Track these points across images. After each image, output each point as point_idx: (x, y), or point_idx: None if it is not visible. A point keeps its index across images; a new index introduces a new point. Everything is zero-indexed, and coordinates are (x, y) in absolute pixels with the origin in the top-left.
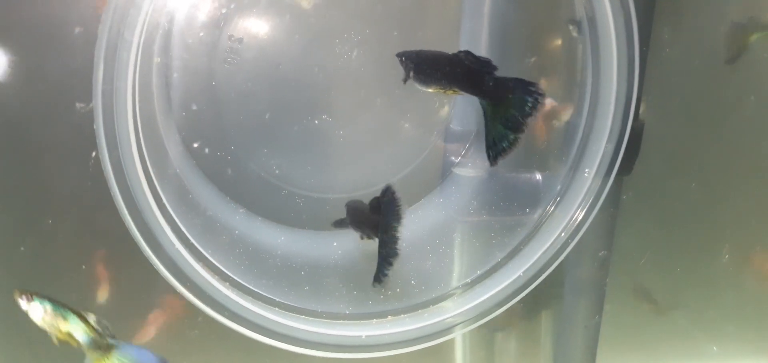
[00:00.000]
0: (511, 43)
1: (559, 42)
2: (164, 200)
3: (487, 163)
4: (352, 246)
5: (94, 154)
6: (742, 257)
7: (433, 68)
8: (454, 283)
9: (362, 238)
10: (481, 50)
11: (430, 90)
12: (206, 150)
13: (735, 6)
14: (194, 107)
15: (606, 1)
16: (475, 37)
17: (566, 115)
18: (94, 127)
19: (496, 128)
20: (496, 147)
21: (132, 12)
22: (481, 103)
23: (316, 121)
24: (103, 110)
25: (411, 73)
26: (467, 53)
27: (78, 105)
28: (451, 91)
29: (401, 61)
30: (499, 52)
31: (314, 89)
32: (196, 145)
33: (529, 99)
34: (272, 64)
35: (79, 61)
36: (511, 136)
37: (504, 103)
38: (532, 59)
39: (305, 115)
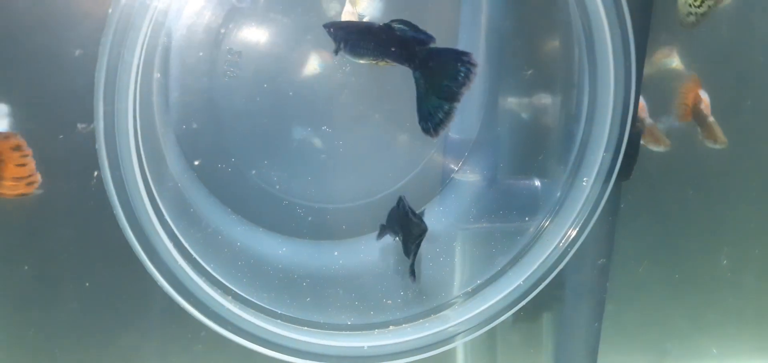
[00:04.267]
0: (509, 54)
1: (556, 51)
2: (166, 216)
3: (486, 171)
4: (353, 256)
5: (96, 173)
6: (741, 261)
7: (363, 38)
8: (455, 291)
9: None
10: (480, 52)
11: (362, 62)
12: (207, 163)
13: (731, 10)
14: (195, 125)
15: (601, 11)
16: (473, 48)
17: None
18: (96, 147)
19: (430, 100)
20: (432, 118)
21: (131, 34)
22: (414, 75)
23: (315, 133)
24: (105, 130)
25: (341, 45)
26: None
27: (79, 125)
28: (383, 63)
29: (329, 32)
30: (497, 63)
31: (313, 101)
32: (197, 163)
33: (462, 69)
34: (271, 77)
35: (80, 83)
36: (446, 107)
37: (437, 73)
38: (530, 70)
39: (305, 126)
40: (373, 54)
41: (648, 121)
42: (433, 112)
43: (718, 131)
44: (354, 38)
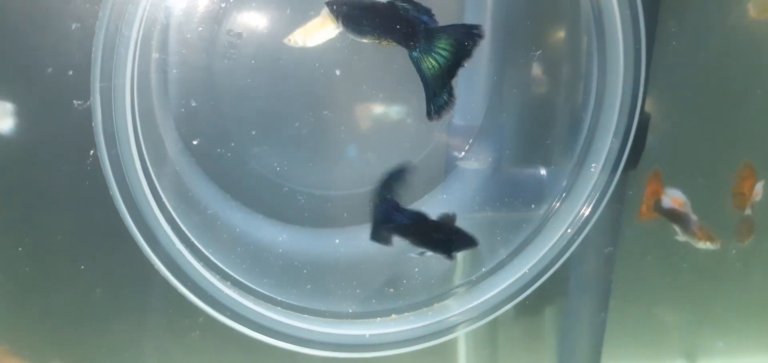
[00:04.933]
0: (515, 35)
1: (564, 35)
2: (164, 198)
3: (491, 158)
4: (355, 244)
5: (92, 152)
6: (749, 253)
7: (365, 16)
8: (458, 280)
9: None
10: (486, 38)
11: (365, 40)
12: (206, 147)
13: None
14: (193, 103)
15: None
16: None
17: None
18: (93, 124)
19: (434, 81)
20: (434, 102)
21: (130, 8)
22: (412, 56)
23: (316, 117)
24: (102, 107)
25: (341, 22)
26: (405, 1)
27: (75, 102)
28: (385, 43)
29: (332, 8)
30: (503, 45)
31: (315, 85)
32: (195, 143)
33: (467, 41)
34: (272, 59)
35: (77, 58)
36: (449, 89)
37: (442, 51)
38: (537, 52)
39: (306, 111)
40: (375, 32)
41: (693, 217)
42: (436, 95)
43: (709, 231)
44: (356, 16)
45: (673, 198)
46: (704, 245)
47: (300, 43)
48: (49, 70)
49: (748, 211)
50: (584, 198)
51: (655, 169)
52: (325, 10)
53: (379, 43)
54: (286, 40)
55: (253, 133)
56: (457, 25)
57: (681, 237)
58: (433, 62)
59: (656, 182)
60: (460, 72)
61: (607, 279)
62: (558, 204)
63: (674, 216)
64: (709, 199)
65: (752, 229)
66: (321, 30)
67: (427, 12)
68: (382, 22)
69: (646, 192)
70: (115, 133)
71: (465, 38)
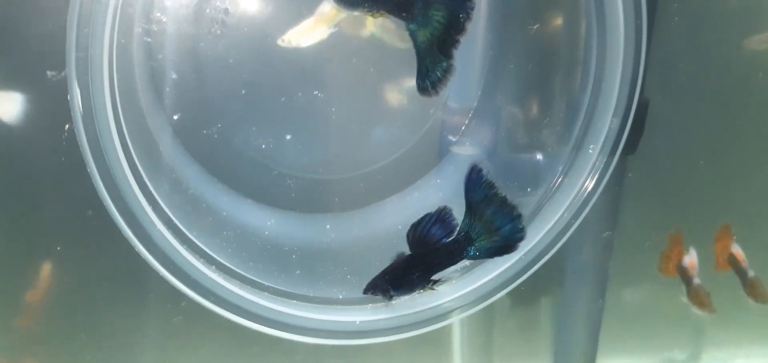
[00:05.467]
0: (513, 9)
1: (562, 15)
2: (145, 178)
3: (487, 141)
4: (346, 230)
5: (67, 126)
6: (749, 240)
7: None
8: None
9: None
10: (481, 16)
11: (356, 13)
12: (191, 127)
13: None
14: (174, 76)
15: None
16: (475, 10)
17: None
18: (68, 97)
19: (429, 55)
20: (430, 75)
21: None
22: (408, 28)
23: (306, 98)
24: (78, 79)
25: None
26: None
27: (49, 73)
28: (378, 15)
29: None
30: (501, 19)
31: (304, 64)
32: (176, 117)
33: (461, 14)
34: (260, 36)
35: (50, 26)
36: (445, 64)
37: (435, 24)
38: (535, 26)
39: (295, 90)
40: (367, 4)
41: (696, 281)
42: (431, 69)
43: (705, 297)
44: None
45: (692, 262)
46: (699, 311)
47: (293, 44)
48: (22, 38)
49: (697, 281)
50: (582, 180)
51: (726, 225)
52: (318, 11)
53: (372, 15)
54: (279, 41)
55: (240, 113)
56: None
57: (684, 298)
58: (429, 34)
59: (726, 236)
60: (456, 52)
61: (604, 265)
62: (555, 187)
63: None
64: (710, 183)
65: (706, 298)
66: (314, 30)
67: None
68: None
69: (718, 246)
70: (93, 107)
71: (459, 9)
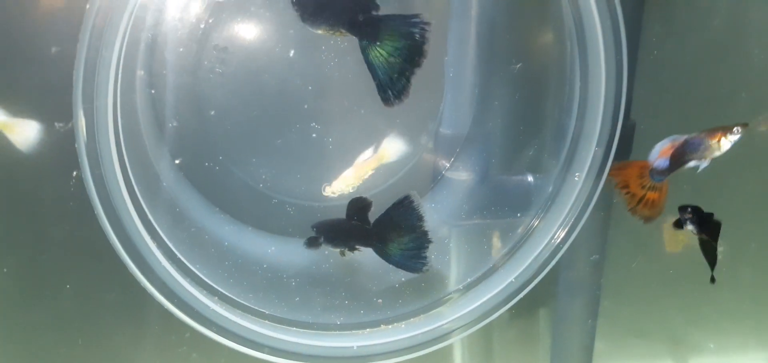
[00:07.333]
0: (499, 45)
1: (547, 44)
2: (149, 215)
3: (478, 167)
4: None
5: (75, 173)
6: (737, 255)
7: (317, 6)
8: (448, 288)
9: (343, 253)
10: (469, 53)
11: (320, 31)
12: (193, 161)
13: (725, 2)
14: (175, 123)
15: (593, 4)
16: (463, 40)
17: None
18: (76, 145)
19: (388, 66)
20: (393, 86)
21: (109, 30)
22: (360, 45)
23: (304, 129)
24: (86, 129)
25: (296, 9)
26: None
27: (57, 124)
28: (339, 34)
29: (292, 2)
30: (488, 55)
31: (301, 97)
32: (177, 162)
33: (416, 30)
34: (258, 72)
35: (56, 80)
36: (408, 71)
37: (389, 38)
38: (518, 65)
39: (293, 123)
40: (329, 22)
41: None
42: (394, 80)
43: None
44: (309, 6)
45: (662, 150)
46: (729, 142)
47: (337, 193)
48: (30, 92)
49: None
50: (570, 205)
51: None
52: (356, 163)
53: (334, 34)
54: (326, 192)
55: (241, 145)
56: (399, 15)
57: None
58: (380, 52)
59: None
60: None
61: (595, 284)
62: (545, 211)
63: (680, 159)
64: (696, 202)
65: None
66: (354, 179)
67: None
68: (334, 13)
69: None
70: (98, 154)
71: (410, 24)
